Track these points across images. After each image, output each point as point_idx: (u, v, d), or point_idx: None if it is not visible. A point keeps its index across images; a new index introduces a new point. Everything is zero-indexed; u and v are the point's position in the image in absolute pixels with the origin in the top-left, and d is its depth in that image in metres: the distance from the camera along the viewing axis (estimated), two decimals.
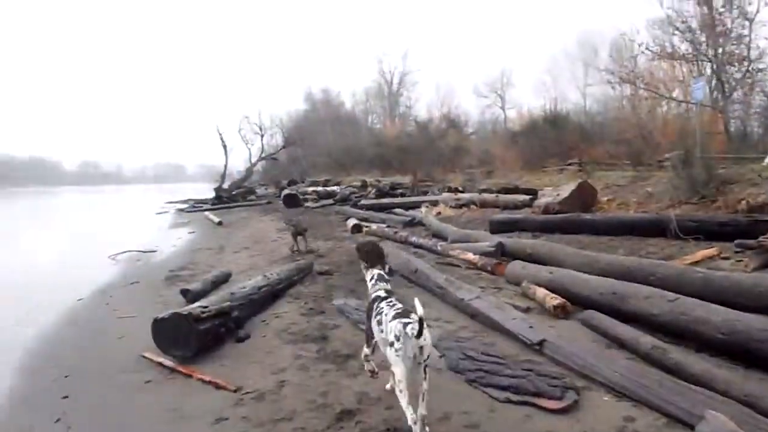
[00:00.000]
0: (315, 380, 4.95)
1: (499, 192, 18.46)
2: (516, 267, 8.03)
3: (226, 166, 44.50)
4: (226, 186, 40.07)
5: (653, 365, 4.45)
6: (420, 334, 3.56)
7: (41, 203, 56.35)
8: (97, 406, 5.02)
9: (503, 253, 9.40)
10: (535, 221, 11.89)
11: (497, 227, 11.92)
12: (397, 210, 19.01)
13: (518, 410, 4.13)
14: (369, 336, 4.39)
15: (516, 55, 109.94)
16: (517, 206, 15.63)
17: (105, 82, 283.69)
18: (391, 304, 4.06)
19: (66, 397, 5.28)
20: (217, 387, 5.01)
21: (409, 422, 3.58)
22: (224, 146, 44.19)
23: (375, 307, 4.21)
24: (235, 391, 4.88)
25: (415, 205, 19.71)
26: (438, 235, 12.67)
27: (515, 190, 18.45)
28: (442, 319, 6.42)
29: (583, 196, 13.21)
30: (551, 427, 3.92)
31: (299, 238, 12.58)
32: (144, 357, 5.95)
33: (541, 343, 5.06)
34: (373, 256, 4.78)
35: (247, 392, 4.84)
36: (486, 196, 18.14)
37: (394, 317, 3.84)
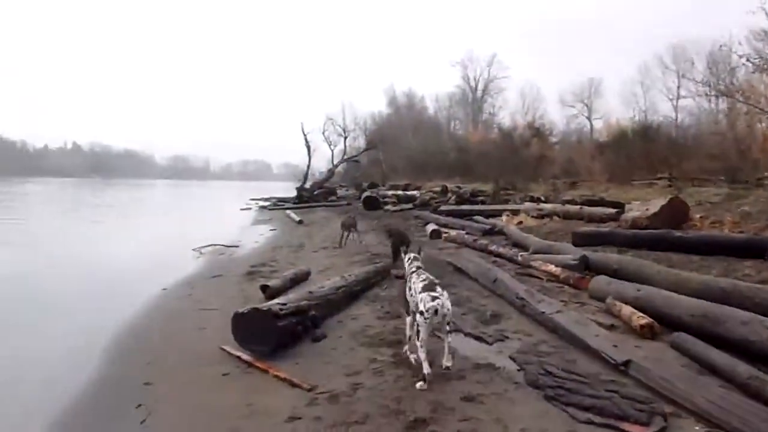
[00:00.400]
0: (389, 385, 4.89)
1: (583, 204, 17.90)
2: (601, 282, 7.72)
3: (309, 166, 45.44)
4: (308, 186, 40.77)
5: (750, 396, 4.15)
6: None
7: (136, 195, 59.00)
8: (177, 395, 5.14)
9: (587, 267, 9.08)
10: (622, 236, 11.44)
11: (581, 240, 11.53)
12: (478, 217, 18.69)
13: None
14: (406, 307, 5.49)
15: (605, 64, 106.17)
16: (602, 219, 15.11)
17: (197, 80, 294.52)
18: (419, 275, 5.30)
19: (148, 383, 5.44)
20: (292, 385, 5.03)
21: (425, 371, 4.74)
22: (308, 146, 45.20)
23: (408, 279, 5.49)
24: (309, 390, 4.88)
25: (496, 214, 19.40)
26: (519, 245, 12.40)
27: (600, 203, 17.86)
28: (521, 332, 6.25)
29: (674, 212, 12.63)
30: None
31: (346, 233, 14.71)
32: (223, 350, 6.07)
33: (626, 363, 4.81)
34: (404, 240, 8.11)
35: (321, 392, 4.83)
36: (570, 207, 17.64)
37: (423, 289, 4.93)
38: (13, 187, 66.20)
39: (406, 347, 5.52)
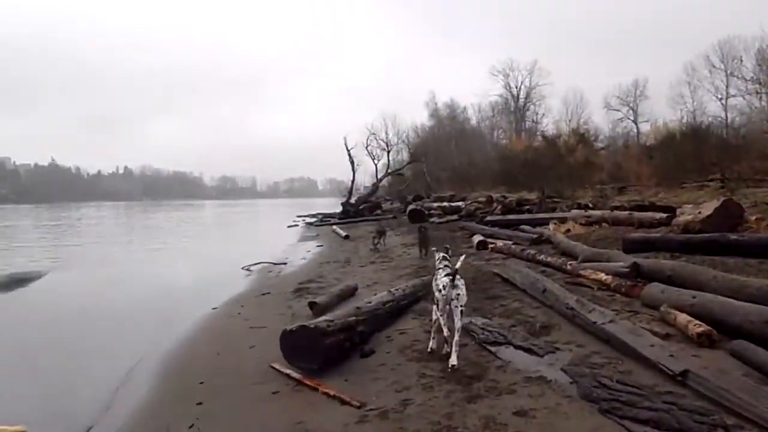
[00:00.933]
0: (439, 401, 4.81)
1: (632, 209, 17.50)
2: (654, 290, 7.49)
3: (353, 181, 45.74)
4: (353, 201, 40.99)
5: None
6: (453, 279, 5.86)
7: (187, 216, 60.42)
8: (228, 415, 5.19)
9: (639, 275, 8.83)
10: (674, 241, 11.12)
11: (632, 246, 11.23)
12: (524, 227, 18.40)
13: None
14: (433, 297, 6.41)
15: (650, 65, 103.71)
16: (652, 224, 14.74)
17: (244, 100, 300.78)
18: (444, 270, 6.24)
19: (200, 403, 5.51)
20: (342, 402, 5.01)
21: (441, 324, 5.88)
22: (352, 162, 45.49)
23: (434, 274, 6.48)
24: (359, 407, 4.85)
25: (543, 222, 19.05)
26: (567, 254, 12.14)
27: (650, 207, 17.44)
28: (573, 343, 6.08)
29: (728, 215, 12.21)
30: None
31: (378, 238, 17.50)
32: (272, 368, 6.11)
33: (684, 373, 4.63)
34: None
35: (371, 409, 4.80)
36: (618, 213, 17.27)
37: (445, 276, 6.07)
38: (71, 212, 68.59)
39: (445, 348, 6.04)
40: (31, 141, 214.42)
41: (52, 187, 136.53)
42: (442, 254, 6.78)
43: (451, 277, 5.90)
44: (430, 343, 6.23)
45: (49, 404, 6.28)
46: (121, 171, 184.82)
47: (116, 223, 50.43)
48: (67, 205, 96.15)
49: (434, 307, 6.26)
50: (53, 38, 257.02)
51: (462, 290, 5.90)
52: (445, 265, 6.44)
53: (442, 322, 5.84)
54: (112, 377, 6.88)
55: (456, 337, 5.66)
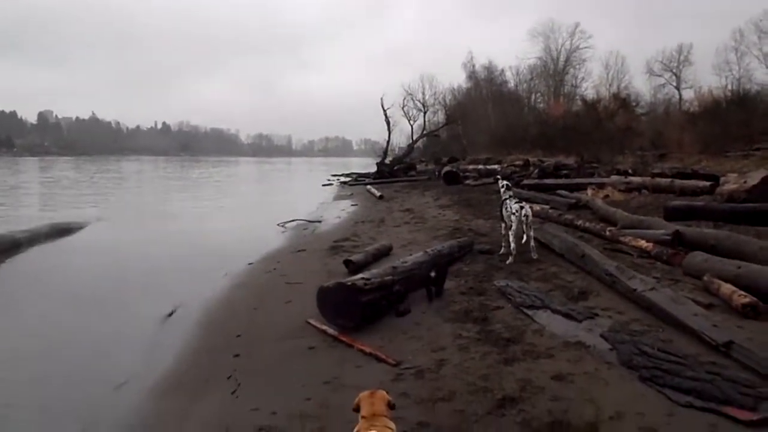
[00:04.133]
0: (475, 362, 4.80)
1: (674, 176, 17.07)
2: (696, 258, 7.30)
3: (388, 142, 45.49)
4: (387, 161, 40.82)
5: None
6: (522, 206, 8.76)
7: (224, 172, 61.19)
8: (265, 367, 5.27)
9: (681, 243, 8.64)
10: (718, 210, 10.84)
11: (674, 214, 10.96)
12: (561, 191, 18.07)
13: (701, 417, 3.68)
14: (502, 219, 9.16)
15: (695, 29, 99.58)
16: (695, 193, 14.42)
17: (280, 59, 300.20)
18: (512, 199, 9.08)
19: (237, 355, 5.61)
20: (378, 359, 5.03)
21: (512, 248, 8.57)
22: (388, 122, 45.08)
23: (504, 202, 9.17)
24: (395, 365, 4.87)
25: (581, 187, 18.67)
26: (606, 220, 11.91)
27: (693, 175, 17.01)
28: (612, 309, 5.97)
29: None
30: None
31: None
32: (309, 323, 6.15)
33: (728, 344, 4.50)
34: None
35: (407, 368, 4.81)
36: (659, 180, 16.88)
37: (515, 203, 8.83)
38: (110, 165, 69.85)
39: (502, 248, 9.05)
40: (73, 95, 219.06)
41: (92, 140, 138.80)
42: (506, 183, 9.69)
43: (521, 204, 8.77)
44: (511, 250, 8.59)
45: (95, 346, 6.47)
46: (159, 126, 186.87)
47: (154, 177, 51.19)
48: (107, 158, 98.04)
49: (502, 224, 9.18)
50: None
51: (529, 211, 8.84)
52: (510, 196, 9.20)
53: (512, 240, 8.55)
54: (158, 327, 7.12)
55: (532, 242, 8.72)
